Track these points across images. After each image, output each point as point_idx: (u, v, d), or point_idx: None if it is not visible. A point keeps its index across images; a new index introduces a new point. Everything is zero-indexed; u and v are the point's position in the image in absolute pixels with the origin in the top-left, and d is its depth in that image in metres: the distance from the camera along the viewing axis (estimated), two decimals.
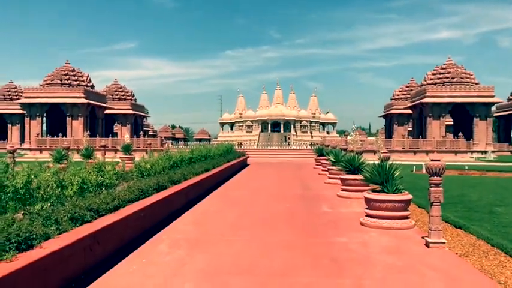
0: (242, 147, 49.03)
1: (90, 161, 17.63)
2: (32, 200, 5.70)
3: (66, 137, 46.88)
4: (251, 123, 69.15)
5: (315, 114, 70.96)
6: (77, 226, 5.32)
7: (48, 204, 5.84)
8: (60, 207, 5.52)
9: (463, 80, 50.27)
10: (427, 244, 6.41)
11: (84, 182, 6.76)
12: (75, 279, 4.73)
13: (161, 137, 51.82)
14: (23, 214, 5.25)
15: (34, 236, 4.36)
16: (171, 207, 8.83)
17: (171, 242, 6.62)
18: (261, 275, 5.16)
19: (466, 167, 25.75)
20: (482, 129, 49.36)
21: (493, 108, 55.17)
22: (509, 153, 58.51)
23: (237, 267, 5.44)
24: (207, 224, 8.22)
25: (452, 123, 52.15)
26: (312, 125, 69.63)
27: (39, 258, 4.03)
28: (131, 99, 65.02)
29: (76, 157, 22.59)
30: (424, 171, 21.56)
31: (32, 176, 5.88)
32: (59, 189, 6.17)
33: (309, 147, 48.70)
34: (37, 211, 5.29)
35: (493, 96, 49.11)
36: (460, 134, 44.59)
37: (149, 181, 8.68)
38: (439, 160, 6.35)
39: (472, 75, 51.59)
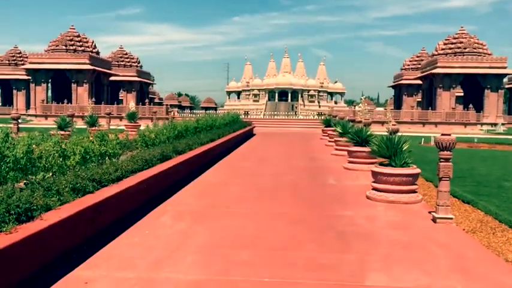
0: (248, 116, 48.84)
1: (94, 128, 17.65)
2: (34, 169, 5.67)
3: (71, 103, 46.85)
4: (258, 92, 68.60)
5: (323, 83, 70.21)
6: (79, 197, 5.29)
7: (50, 174, 5.82)
8: (61, 178, 5.48)
9: (475, 50, 49.38)
10: (434, 219, 6.35)
11: (86, 152, 6.71)
12: (76, 250, 4.72)
13: (167, 105, 51.70)
14: (24, 184, 5.23)
15: (34, 207, 4.32)
16: (175, 178, 8.79)
17: (174, 214, 6.59)
18: (264, 248, 5.13)
19: (475, 140, 25.54)
20: (493, 101, 48.79)
21: (505, 80, 54.39)
22: None
23: (240, 240, 5.41)
24: (211, 196, 8.19)
25: (462, 94, 51.49)
26: (320, 94, 69.00)
27: (39, 230, 4.01)
28: (137, 66, 64.61)
29: (81, 124, 22.65)
30: (432, 143, 21.41)
31: (34, 145, 5.83)
32: (61, 159, 6.12)
33: (316, 117, 48.41)
34: (39, 181, 5.27)
35: (505, 68, 48.32)
36: (470, 105, 44.10)
37: (153, 151, 8.62)
38: (449, 134, 6.21)
39: (484, 45, 50.63)
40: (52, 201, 4.71)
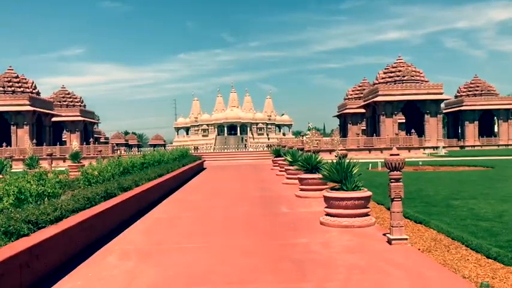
0: (198, 151, 48.45)
1: (33, 170, 16.77)
2: None
3: (10, 146, 44.72)
4: (207, 127, 68.61)
5: (270, 116, 71.31)
6: (12, 241, 4.83)
7: None
8: None
9: (413, 78, 51.76)
10: (389, 241, 6.28)
11: (21, 192, 6.21)
12: None
13: (113, 144, 50.41)
14: None
15: None
16: (121, 215, 8.34)
17: (121, 254, 6.17)
18: (218, 284, 4.83)
19: (420, 163, 26.37)
20: (433, 126, 50.95)
21: (442, 105, 57.14)
22: (458, 148, 60.85)
23: (191, 277, 5.08)
24: (160, 232, 7.80)
25: (404, 120, 53.53)
26: (268, 127, 69.91)
27: None
28: (80, 106, 62.97)
29: (20, 167, 21.51)
30: (380, 168, 21.88)
31: None
32: None
33: (265, 149, 48.69)
34: None
35: (441, 93, 50.80)
36: (413, 130, 45.82)
37: (96, 189, 8.15)
38: (398, 154, 6.23)
39: (421, 73, 53.20)
40: None
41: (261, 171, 23.52)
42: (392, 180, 6.28)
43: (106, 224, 7.42)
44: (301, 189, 11.93)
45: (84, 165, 23.11)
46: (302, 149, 17.70)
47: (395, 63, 54.07)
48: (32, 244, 4.79)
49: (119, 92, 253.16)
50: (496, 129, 68.13)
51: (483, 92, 65.80)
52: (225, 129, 67.21)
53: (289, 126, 76.11)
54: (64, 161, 37.20)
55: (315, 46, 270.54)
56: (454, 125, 69.69)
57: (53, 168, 19.27)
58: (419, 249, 6.02)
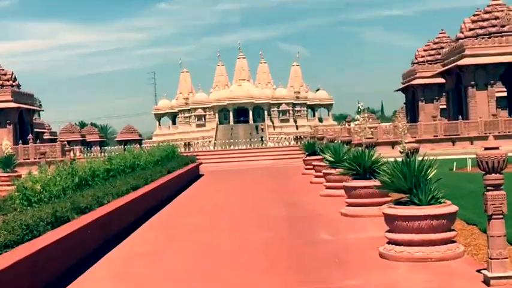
0: (191, 148, 48.76)
1: None
2: None
3: None
4: (203, 112, 68.87)
5: (299, 93, 71.25)
6: None
7: None
8: None
9: None
10: (486, 281, 6.25)
11: None
12: None
13: (63, 142, 50.93)
14: None
15: None
16: (78, 250, 8.45)
17: None
18: None
19: None
20: None
21: None
22: None
23: None
24: (138, 276, 7.88)
25: (506, 94, 52.99)
26: (296, 109, 69.89)
27: None
28: (12, 86, 63.65)
29: None
30: (469, 168, 21.73)
31: None
32: None
33: (293, 142, 48.81)
34: None
35: None
36: None
37: (39, 211, 8.28)
38: (497, 147, 6.17)
39: None
40: None
41: (288, 178, 23.65)
42: (488, 188, 6.22)
43: (55, 265, 7.51)
44: (349, 204, 11.93)
45: (20, 176, 23.37)
46: (349, 142, 17.67)
47: (489, 6, 53.46)
48: None
49: (69, 63, 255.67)
50: None
51: None
52: (231, 114, 67.41)
53: (328, 107, 76.08)
54: None
55: None
56: None
57: None
58: None
